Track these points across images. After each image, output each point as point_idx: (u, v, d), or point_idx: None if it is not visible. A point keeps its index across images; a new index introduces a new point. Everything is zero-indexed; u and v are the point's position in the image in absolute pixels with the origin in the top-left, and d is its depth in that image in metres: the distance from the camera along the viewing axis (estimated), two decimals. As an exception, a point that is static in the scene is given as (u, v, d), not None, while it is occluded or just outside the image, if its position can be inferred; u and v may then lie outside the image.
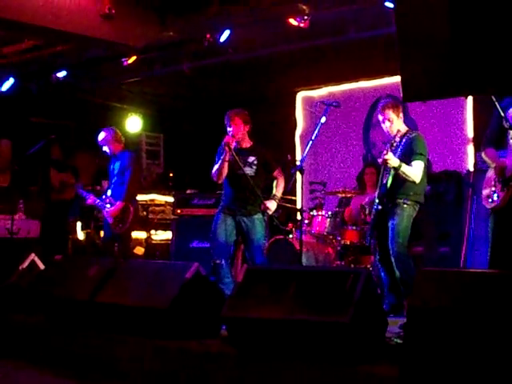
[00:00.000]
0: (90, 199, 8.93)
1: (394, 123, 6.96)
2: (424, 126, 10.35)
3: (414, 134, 6.98)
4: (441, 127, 10.63)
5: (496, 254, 5.76)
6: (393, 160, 6.71)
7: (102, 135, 8.91)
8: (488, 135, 6.10)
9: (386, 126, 6.99)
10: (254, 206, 7.28)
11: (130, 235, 9.11)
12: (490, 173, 5.94)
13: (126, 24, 9.87)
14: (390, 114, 6.95)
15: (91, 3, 9.42)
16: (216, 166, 7.25)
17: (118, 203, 8.63)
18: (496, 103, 5.40)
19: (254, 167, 7.32)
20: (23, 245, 9.84)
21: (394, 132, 6.97)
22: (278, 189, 7.50)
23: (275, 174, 7.50)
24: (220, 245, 7.20)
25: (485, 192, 5.94)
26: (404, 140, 6.93)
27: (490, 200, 5.84)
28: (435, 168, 10.24)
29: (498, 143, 5.93)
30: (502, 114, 5.37)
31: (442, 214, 9.00)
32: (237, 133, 7.26)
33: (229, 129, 7.27)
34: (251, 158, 7.34)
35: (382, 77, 11.17)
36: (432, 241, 8.94)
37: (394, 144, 6.89)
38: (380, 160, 6.82)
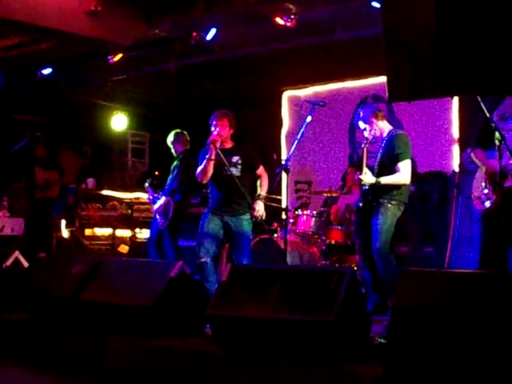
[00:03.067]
0: (152, 197, 9.27)
1: (378, 126, 6.99)
2: (409, 126, 10.36)
3: (396, 133, 6.98)
4: (426, 128, 10.65)
5: (487, 256, 5.78)
6: (368, 180, 6.75)
7: (171, 136, 9.26)
8: (476, 135, 6.11)
9: (367, 133, 7.01)
10: (242, 207, 7.24)
11: (174, 233, 9.16)
12: (480, 174, 5.96)
13: (111, 21, 9.83)
14: (373, 120, 6.99)
15: (77, 0, 9.38)
16: (201, 167, 7.21)
17: (163, 198, 8.94)
18: (481, 104, 5.41)
19: (239, 167, 7.28)
20: (7, 242, 9.81)
21: (378, 134, 6.99)
22: (263, 188, 7.46)
23: (258, 171, 7.47)
24: (206, 244, 7.17)
25: (475, 194, 5.96)
26: (386, 139, 6.94)
27: (482, 202, 5.85)
28: (420, 168, 10.27)
29: (486, 143, 5.95)
30: (488, 115, 5.38)
31: (426, 215, 9.02)
32: (223, 134, 7.22)
33: (214, 128, 7.22)
34: (235, 158, 7.30)
35: (368, 77, 11.19)
36: (417, 241, 8.97)
37: (368, 143, 6.89)
38: (356, 181, 6.88)
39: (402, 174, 6.80)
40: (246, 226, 7.28)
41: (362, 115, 7.08)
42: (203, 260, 7.10)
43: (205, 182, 7.29)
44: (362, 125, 7.07)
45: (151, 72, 11.73)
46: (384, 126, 7.02)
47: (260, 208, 7.29)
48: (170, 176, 9.10)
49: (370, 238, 6.88)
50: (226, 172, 7.16)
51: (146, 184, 9.40)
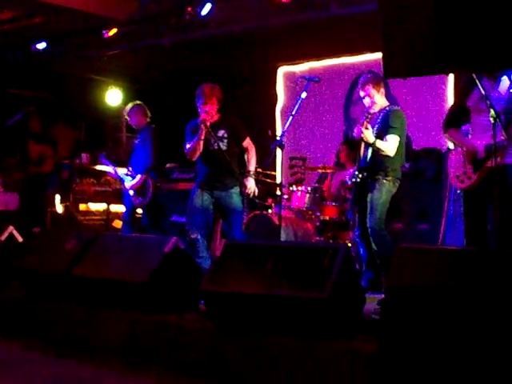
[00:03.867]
0: (113, 171, 9.09)
1: (375, 99, 6.95)
2: (404, 103, 10.35)
3: (392, 109, 6.96)
4: (421, 104, 10.65)
5: (471, 234, 5.80)
6: (368, 136, 6.70)
7: (128, 107, 9.11)
8: (450, 115, 6.11)
9: (366, 101, 6.97)
10: (230, 180, 7.20)
11: (155, 206, 9.10)
12: (457, 152, 5.94)
13: (106, -4, 9.80)
14: (371, 89, 6.93)
15: (72, -26, 9.34)
16: (190, 145, 7.17)
17: (139, 176, 8.70)
18: (477, 81, 5.40)
19: (225, 140, 7.20)
20: (1, 217, 9.80)
21: (376, 108, 6.96)
22: (251, 162, 7.39)
23: (245, 143, 7.38)
24: (196, 219, 7.14)
25: (454, 172, 5.93)
26: (382, 114, 6.93)
27: (461, 181, 5.84)
28: (415, 145, 10.27)
29: (459, 123, 5.98)
30: (483, 93, 5.37)
31: (421, 191, 9.02)
32: (213, 112, 7.17)
33: (203, 107, 7.11)
34: (221, 132, 7.21)
35: (364, 53, 11.18)
36: (411, 218, 8.98)
37: (369, 117, 6.83)
38: (355, 134, 6.81)
39: (389, 144, 6.78)
40: (236, 199, 7.23)
41: (361, 81, 7.05)
42: (194, 236, 7.07)
43: (194, 159, 7.25)
44: (361, 93, 7.03)
45: (146, 47, 11.68)
46: (382, 102, 6.99)
47: (251, 185, 7.28)
48: (137, 151, 8.94)
49: (364, 214, 6.88)
50: (212, 147, 7.13)
51: (103, 158, 9.30)
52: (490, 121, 5.40)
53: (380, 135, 6.83)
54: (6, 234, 7.25)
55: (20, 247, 6.98)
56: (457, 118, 6.05)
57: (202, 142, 7.07)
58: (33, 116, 11.16)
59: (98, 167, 11.31)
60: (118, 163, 9.15)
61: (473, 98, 5.77)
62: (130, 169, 8.88)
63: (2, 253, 7.04)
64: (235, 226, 7.23)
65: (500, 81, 5.67)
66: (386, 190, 6.82)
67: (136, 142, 9.05)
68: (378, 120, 6.91)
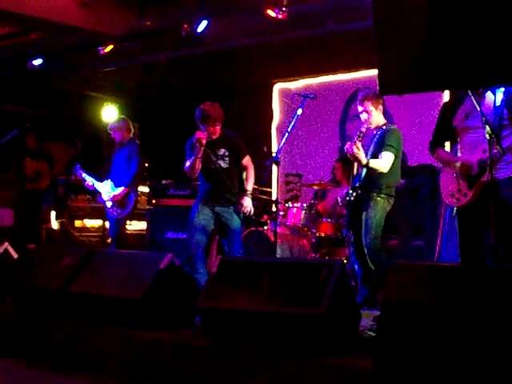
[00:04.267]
0: (89, 181, 9.07)
1: (373, 115, 6.95)
2: (400, 119, 10.36)
3: (389, 127, 6.98)
4: (417, 121, 10.67)
5: (466, 251, 5.79)
6: (361, 157, 6.70)
7: (113, 122, 9.18)
8: (436, 134, 6.10)
9: (363, 117, 6.98)
10: (231, 197, 7.23)
11: (125, 224, 9.22)
12: (448, 170, 5.92)
13: (102, 12, 9.82)
14: (369, 105, 6.94)
15: (68, -10, 9.37)
16: (188, 163, 7.19)
17: (122, 188, 8.74)
18: (472, 97, 5.41)
19: (226, 159, 7.25)
20: (-4, 233, 9.77)
21: (372, 124, 6.96)
22: (249, 181, 7.38)
23: (244, 161, 7.38)
24: (198, 235, 7.16)
25: (447, 190, 5.90)
26: (379, 132, 6.94)
27: (457, 199, 5.82)
28: (410, 162, 10.28)
29: (444, 143, 6.00)
30: (478, 109, 5.38)
31: (416, 208, 9.03)
32: (213, 133, 7.17)
33: (210, 128, 7.11)
34: (222, 151, 7.25)
35: (359, 70, 11.21)
36: (406, 234, 8.98)
37: (361, 136, 6.83)
38: (345, 150, 6.81)
39: (383, 162, 6.79)
40: (236, 216, 7.27)
41: (361, 96, 7.07)
42: (194, 252, 7.10)
43: (193, 177, 7.30)
44: (359, 107, 7.05)
45: (142, 63, 11.71)
46: (379, 119, 7.00)
47: (247, 204, 7.28)
48: (120, 165, 8.94)
49: (359, 232, 6.89)
50: (213, 165, 7.15)
51: (78, 170, 9.28)
52: (480, 137, 5.44)
53: (376, 154, 6.84)
54: (0, 251, 7.21)
55: (15, 264, 6.94)
56: (443, 138, 6.07)
57: (199, 160, 7.07)
58: (29, 132, 11.16)
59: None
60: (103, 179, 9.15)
61: (458, 117, 5.77)
62: (110, 181, 8.89)
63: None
64: (234, 243, 7.25)
65: (484, 96, 5.69)
66: (380, 207, 6.84)
67: (116, 155, 9.07)
68: (375, 139, 6.93)
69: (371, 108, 6.94)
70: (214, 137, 7.22)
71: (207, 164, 7.17)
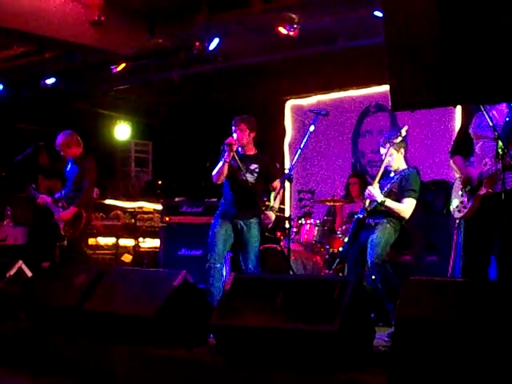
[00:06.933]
0: (41, 199, 8.84)
1: (394, 158, 7.09)
2: (412, 135, 10.34)
3: (409, 171, 7.07)
4: (429, 136, 10.65)
5: (468, 264, 5.80)
6: (376, 194, 6.88)
7: (59, 139, 8.77)
8: (456, 143, 6.14)
9: (387, 160, 7.07)
10: (252, 211, 7.33)
11: (81, 242, 9.02)
12: (457, 182, 5.97)
13: (115, 31, 9.87)
14: (391, 149, 7.04)
15: (80, 10, 9.41)
16: (216, 168, 7.32)
17: (71, 208, 8.54)
18: (485, 112, 5.41)
19: (255, 175, 7.39)
20: (10, 252, 9.79)
21: (394, 167, 7.09)
22: (276, 200, 7.57)
23: (274, 184, 7.58)
24: (218, 249, 7.26)
25: (454, 202, 5.97)
26: (397, 176, 7.02)
27: (459, 210, 5.87)
28: (424, 177, 10.24)
29: (466, 151, 5.99)
30: (491, 124, 5.38)
31: (430, 223, 9.01)
32: (241, 138, 7.33)
33: (234, 134, 7.32)
34: (253, 166, 7.40)
35: (371, 86, 11.20)
36: (420, 250, 8.95)
37: (379, 174, 6.98)
38: (365, 196, 6.95)
39: (405, 208, 6.96)
40: (255, 228, 7.36)
41: (383, 139, 7.20)
42: (214, 265, 7.16)
43: (219, 182, 7.40)
44: (382, 150, 7.15)
45: (154, 81, 11.75)
46: (400, 163, 7.09)
47: (271, 217, 7.44)
48: (73, 181, 8.71)
49: (360, 253, 6.97)
50: (241, 177, 7.23)
51: (32, 190, 9.08)
52: (486, 148, 5.57)
53: (393, 191, 6.94)
54: (14, 269, 7.22)
55: (29, 282, 6.95)
56: (462, 146, 6.08)
57: (227, 165, 7.24)
58: (42, 151, 11.20)
59: (107, 201, 11.33)
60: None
61: (473, 124, 5.82)
62: (63, 201, 8.73)
63: (11, 288, 7.03)
64: (251, 257, 7.30)
65: (495, 108, 5.71)
66: (387, 232, 6.99)
67: (68, 170, 8.86)
68: (393, 181, 6.99)
69: (393, 151, 7.05)
70: (245, 146, 7.40)
71: (235, 173, 7.31)
